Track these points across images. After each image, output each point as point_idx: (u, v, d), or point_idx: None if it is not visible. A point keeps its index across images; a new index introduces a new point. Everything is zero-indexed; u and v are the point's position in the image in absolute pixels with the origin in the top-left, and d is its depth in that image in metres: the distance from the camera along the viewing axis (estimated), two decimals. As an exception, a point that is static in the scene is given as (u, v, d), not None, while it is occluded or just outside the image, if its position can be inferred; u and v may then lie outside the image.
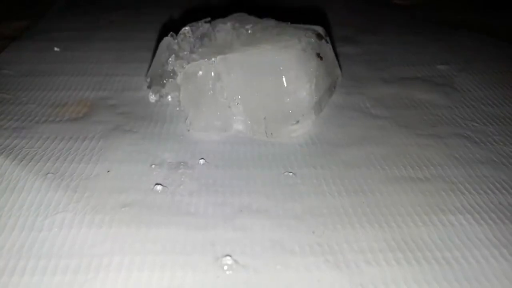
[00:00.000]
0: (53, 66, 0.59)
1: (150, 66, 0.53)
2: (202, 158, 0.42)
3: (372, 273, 0.31)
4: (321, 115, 0.49)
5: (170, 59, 0.48)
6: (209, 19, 0.51)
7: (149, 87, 0.52)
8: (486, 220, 0.35)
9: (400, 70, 0.60)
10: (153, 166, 0.40)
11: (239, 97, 0.44)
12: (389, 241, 0.33)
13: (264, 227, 0.34)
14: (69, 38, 0.68)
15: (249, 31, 0.48)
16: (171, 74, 0.49)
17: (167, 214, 0.35)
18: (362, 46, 0.68)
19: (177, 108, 0.49)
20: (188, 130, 0.45)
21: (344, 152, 0.43)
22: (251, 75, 0.43)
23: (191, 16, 0.54)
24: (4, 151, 0.42)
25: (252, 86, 0.44)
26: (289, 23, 0.50)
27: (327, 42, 0.49)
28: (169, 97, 0.50)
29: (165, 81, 0.50)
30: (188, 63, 0.46)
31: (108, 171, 0.40)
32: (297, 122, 0.44)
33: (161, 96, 0.51)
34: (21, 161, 0.40)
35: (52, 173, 0.39)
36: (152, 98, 0.51)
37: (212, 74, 0.44)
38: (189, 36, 0.49)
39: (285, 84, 0.43)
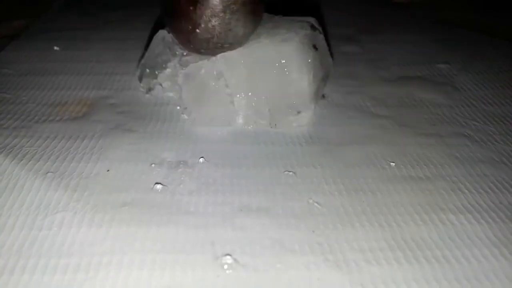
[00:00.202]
0: (53, 65, 0.59)
1: (141, 57, 0.53)
2: (202, 157, 0.42)
3: (372, 272, 0.31)
4: (322, 114, 0.49)
5: (167, 52, 0.48)
6: None
7: (139, 77, 0.52)
8: (486, 219, 0.35)
9: (401, 69, 0.60)
10: (153, 165, 0.40)
11: (242, 92, 0.45)
12: (389, 240, 0.33)
13: (264, 226, 0.34)
14: (69, 37, 0.68)
15: None
16: (163, 66, 0.49)
17: (167, 213, 0.35)
18: (363, 45, 0.68)
19: (178, 107, 0.49)
20: (192, 126, 0.46)
21: (344, 151, 0.43)
22: (254, 70, 0.45)
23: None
24: (4, 150, 0.42)
25: (255, 81, 0.45)
26: (281, 15, 0.50)
27: (320, 33, 0.50)
28: (163, 91, 0.51)
29: (157, 72, 0.50)
30: (184, 62, 0.46)
31: (108, 170, 0.40)
32: (299, 112, 0.45)
33: (151, 88, 0.51)
34: (21, 160, 0.40)
35: (52, 172, 0.39)
36: (144, 90, 0.52)
37: (215, 72, 0.45)
38: None
39: (287, 76, 0.44)
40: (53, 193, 0.37)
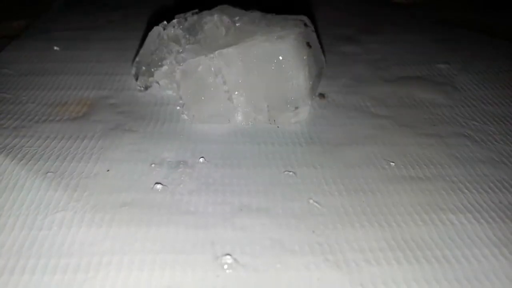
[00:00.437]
0: (53, 65, 0.59)
1: (136, 54, 0.53)
2: (202, 157, 0.42)
3: (372, 272, 0.31)
4: (322, 114, 0.49)
5: (162, 49, 0.49)
6: (196, 10, 0.51)
7: (135, 76, 0.52)
8: (486, 219, 0.35)
9: (400, 69, 0.60)
10: (153, 165, 0.40)
11: (240, 88, 0.46)
12: (389, 240, 0.33)
13: (264, 226, 0.34)
14: (69, 37, 0.68)
15: (237, 24, 0.49)
16: (159, 63, 0.49)
17: (167, 213, 0.35)
18: (362, 45, 0.68)
19: (178, 108, 0.49)
20: (191, 124, 0.46)
21: (344, 151, 0.43)
22: (252, 67, 0.45)
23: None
24: (4, 150, 0.42)
25: (253, 78, 0.45)
26: (273, 14, 0.50)
27: (313, 31, 0.50)
28: (163, 92, 0.51)
29: (153, 70, 0.50)
30: (180, 60, 0.47)
31: (108, 170, 0.40)
32: (297, 107, 0.46)
33: (148, 86, 0.51)
34: (21, 160, 0.40)
35: (52, 172, 0.39)
36: (140, 88, 0.52)
37: (212, 69, 0.45)
38: (178, 27, 0.49)
39: (284, 72, 0.45)
40: (53, 193, 0.37)
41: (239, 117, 0.47)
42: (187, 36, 0.49)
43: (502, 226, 0.35)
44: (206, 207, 0.36)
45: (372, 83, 0.56)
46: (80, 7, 0.83)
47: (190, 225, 0.34)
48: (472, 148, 0.44)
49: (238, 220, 0.35)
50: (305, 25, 0.49)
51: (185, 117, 0.47)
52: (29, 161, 0.40)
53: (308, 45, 0.47)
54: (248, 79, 0.45)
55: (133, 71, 0.53)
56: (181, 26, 0.50)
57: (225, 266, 0.31)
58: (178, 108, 0.49)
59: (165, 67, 0.49)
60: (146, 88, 0.52)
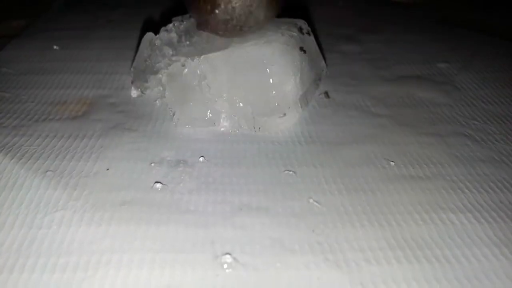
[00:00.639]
0: (52, 64, 0.59)
1: (133, 61, 0.53)
2: (202, 156, 0.41)
3: (372, 271, 0.31)
4: (321, 113, 0.49)
5: (156, 55, 0.48)
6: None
7: (132, 82, 0.52)
8: (486, 219, 0.35)
9: (401, 69, 0.60)
10: (152, 164, 0.40)
11: (225, 94, 0.45)
12: (389, 239, 0.33)
13: (264, 225, 0.34)
14: (68, 36, 0.68)
15: None
16: (153, 70, 0.49)
17: (166, 212, 0.35)
18: (363, 45, 0.67)
19: (169, 108, 0.48)
20: (175, 126, 0.45)
21: (344, 151, 0.43)
22: (236, 72, 0.44)
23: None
24: (3, 149, 0.41)
25: (238, 82, 0.44)
26: None
27: (310, 35, 0.50)
28: (157, 101, 0.50)
29: (147, 77, 0.50)
30: (171, 61, 0.46)
31: (108, 169, 0.39)
32: (284, 115, 0.45)
33: (143, 92, 0.51)
34: (20, 159, 0.40)
35: (51, 171, 0.39)
36: (134, 93, 0.51)
37: (198, 72, 0.44)
38: (173, 31, 0.49)
39: (270, 78, 0.44)
40: (52, 191, 0.37)
41: (225, 123, 0.46)
42: (182, 39, 0.49)
43: (503, 225, 0.35)
44: (206, 206, 0.36)
45: (372, 83, 0.56)
46: (80, 7, 0.83)
47: (189, 224, 0.34)
48: (472, 147, 0.44)
49: (238, 219, 0.35)
50: (300, 29, 0.49)
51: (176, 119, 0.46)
52: (29, 160, 0.40)
53: (302, 50, 0.46)
54: (232, 84, 0.44)
55: (131, 76, 0.52)
56: (176, 30, 0.49)
57: (225, 265, 0.31)
58: (169, 108, 0.48)
59: (159, 75, 0.48)
60: (142, 93, 0.51)
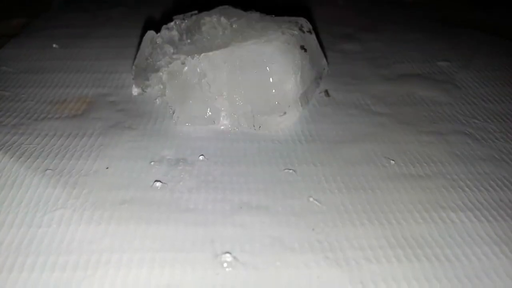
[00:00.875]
0: (52, 63, 0.59)
1: (134, 59, 0.53)
2: (202, 155, 0.41)
3: (372, 270, 0.31)
4: (322, 112, 0.49)
5: (157, 53, 0.48)
6: (195, 11, 0.51)
7: (134, 79, 0.51)
8: (486, 217, 0.35)
9: (401, 67, 0.60)
10: (152, 162, 0.40)
11: (225, 92, 0.45)
12: (389, 238, 0.33)
13: (264, 224, 0.34)
14: (68, 35, 0.68)
15: (234, 25, 0.48)
16: (154, 68, 0.49)
17: (166, 211, 0.35)
18: (363, 43, 0.67)
19: (169, 106, 0.48)
20: (175, 124, 0.45)
21: (344, 149, 0.43)
22: (236, 70, 0.44)
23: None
24: (3, 148, 0.41)
25: (238, 81, 0.44)
26: (273, 15, 0.50)
27: (311, 34, 0.50)
28: (157, 99, 0.50)
29: (148, 75, 0.49)
30: (172, 59, 0.46)
31: (107, 168, 0.39)
32: (284, 113, 0.45)
33: (144, 90, 0.51)
34: (20, 157, 0.40)
35: (51, 169, 0.39)
36: (135, 91, 0.51)
37: (198, 70, 0.44)
38: (174, 29, 0.49)
39: (270, 77, 0.44)
40: (52, 190, 0.37)
41: (225, 121, 0.46)
42: (184, 37, 0.49)
43: (503, 224, 0.35)
44: (206, 204, 0.36)
45: (373, 81, 0.56)
46: (79, 5, 0.83)
47: (189, 223, 0.34)
48: (473, 146, 0.44)
49: (237, 218, 0.35)
50: (301, 27, 0.48)
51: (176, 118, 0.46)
52: (28, 158, 0.40)
53: (303, 48, 0.46)
54: (232, 82, 0.44)
55: (132, 74, 0.52)
56: (178, 28, 0.49)
57: (225, 264, 0.31)
58: (170, 108, 0.48)
59: (159, 73, 0.48)
60: (143, 91, 0.51)
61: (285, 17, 0.50)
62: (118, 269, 0.30)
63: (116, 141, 0.43)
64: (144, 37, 0.50)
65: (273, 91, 0.44)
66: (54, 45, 0.64)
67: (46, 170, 0.39)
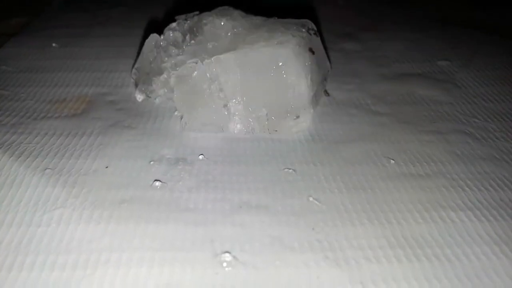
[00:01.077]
0: (51, 62, 0.59)
1: (137, 55, 0.52)
2: (201, 154, 0.41)
3: (372, 269, 0.31)
4: (322, 111, 0.49)
5: (160, 56, 0.48)
6: (197, 12, 0.50)
7: (135, 85, 0.50)
8: (487, 217, 0.35)
9: (401, 67, 0.60)
10: (152, 162, 0.40)
11: (238, 96, 0.44)
12: (389, 237, 0.33)
13: (264, 223, 0.34)
14: (67, 34, 0.68)
15: (238, 28, 0.47)
16: (159, 72, 0.48)
17: (166, 210, 0.35)
18: (363, 42, 0.67)
19: (175, 113, 0.48)
20: (183, 130, 0.45)
21: (344, 149, 0.43)
22: (250, 74, 0.43)
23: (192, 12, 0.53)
24: (2, 147, 0.41)
25: (252, 84, 0.43)
26: (275, 17, 0.49)
27: (317, 36, 0.49)
28: (157, 99, 0.49)
29: (152, 79, 0.48)
30: (178, 62, 0.46)
31: (107, 167, 0.39)
32: (298, 116, 0.44)
33: (148, 96, 0.49)
34: (19, 156, 0.40)
35: (50, 168, 0.39)
36: (140, 97, 0.50)
37: (208, 75, 0.43)
38: (177, 30, 0.48)
39: (287, 79, 0.43)
40: (51, 189, 0.36)
41: (237, 126, 0.45)
42: (187, 38, 0.48)
43: (503, 223, 0.35)
44: (206, 204, 0.36)
45: (373, 81, 0.56)
46: (79, 4, 0.83)
47: (189, 222, 0.34)
48: (473, 145, 0.44)
49: (237, 217, 0.34)
50: (308, 29, 0.48)
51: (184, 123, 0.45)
52: (28, 157, 0.40)
53: (311, 51, 0.46)
54: (246, 86, 0.43)
55: (133, 78, 0.51)
56: (181, 28, 0.49)
57: (224, 264, 0.31)
58: (175, 113, 0.47)
59: (163, 76, 0.47)
60: (147, 97, 0.49)
61: (289, 19, 0.50)
62: (118, 268, 0.30)
63: (115, 140, 0.43)
64: (147, 41, 0.50)
65: (287, 94, 0.43)
66: (53, 44, 0.64)
67: (45, 169, 0.39)
